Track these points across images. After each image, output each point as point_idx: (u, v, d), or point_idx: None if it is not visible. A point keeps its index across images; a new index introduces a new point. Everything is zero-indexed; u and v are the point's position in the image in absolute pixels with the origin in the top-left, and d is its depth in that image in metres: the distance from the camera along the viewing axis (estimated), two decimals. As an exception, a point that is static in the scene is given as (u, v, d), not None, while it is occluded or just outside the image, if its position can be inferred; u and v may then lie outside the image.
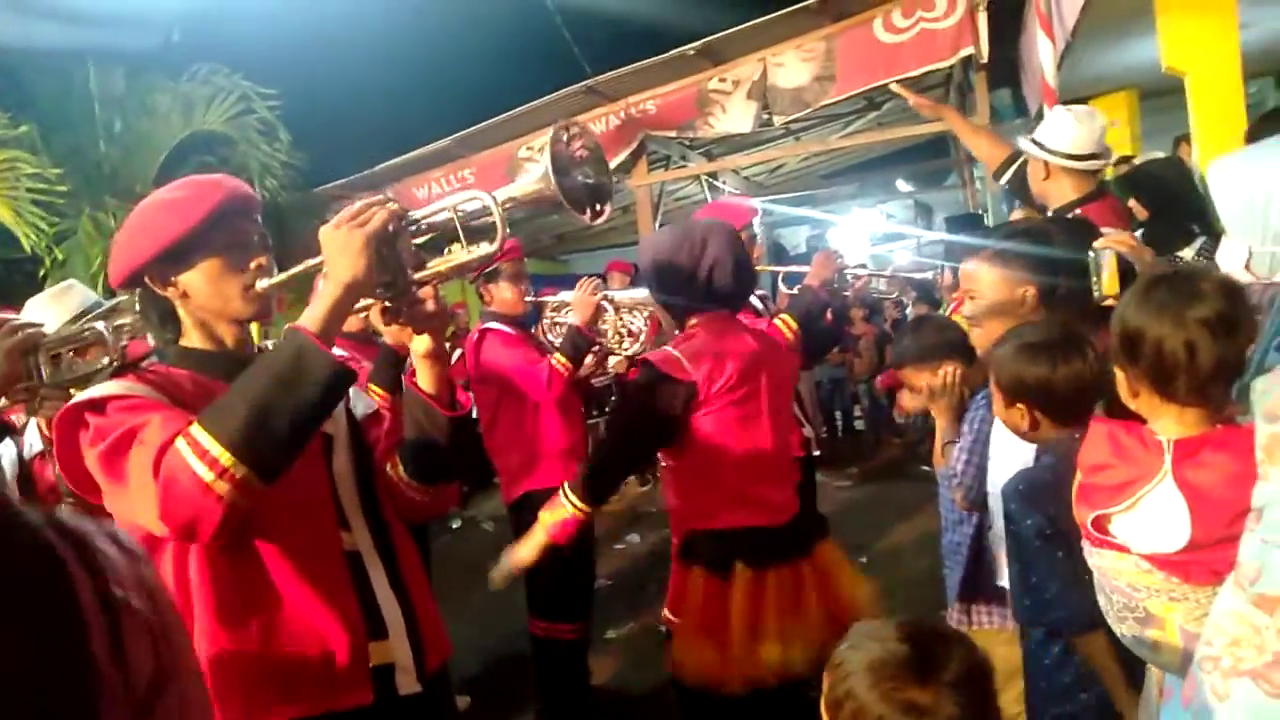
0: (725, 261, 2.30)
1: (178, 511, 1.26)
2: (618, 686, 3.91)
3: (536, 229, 9.84)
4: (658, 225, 7.58)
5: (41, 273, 5.13)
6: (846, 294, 3.75)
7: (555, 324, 3.73)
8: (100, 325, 1.97)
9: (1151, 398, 1.49)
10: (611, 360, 3.98)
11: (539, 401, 3.35)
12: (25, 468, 2.53)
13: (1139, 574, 1.50)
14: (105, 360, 1.95)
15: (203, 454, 1.25)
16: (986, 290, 2.12)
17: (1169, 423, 1.49)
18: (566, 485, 2.28)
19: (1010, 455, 2.04)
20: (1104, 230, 2.09)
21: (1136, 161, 4.75)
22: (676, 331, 2.42)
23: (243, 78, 6.21)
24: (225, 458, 1.24)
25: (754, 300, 3.62)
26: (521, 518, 3.47)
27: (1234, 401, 1.48)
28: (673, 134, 6.96)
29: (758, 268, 3.64)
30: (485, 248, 1.44)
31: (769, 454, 2.33)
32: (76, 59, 6.00)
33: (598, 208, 1.49)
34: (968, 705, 1.11)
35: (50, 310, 2.61)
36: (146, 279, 1.52)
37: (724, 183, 9.42)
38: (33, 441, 2.52)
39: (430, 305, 1.53)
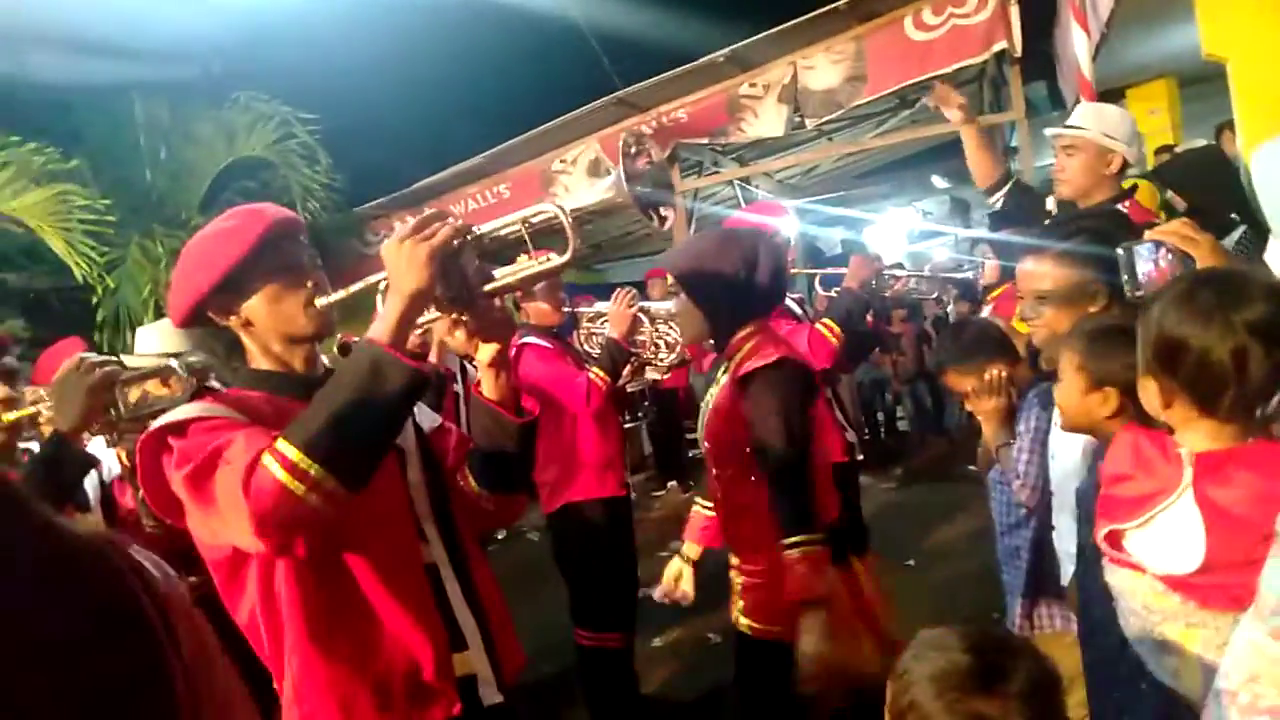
0: (772, 269, 2.31)
1: (273, 527, 1.28)
2: (666, 694, 3.91)
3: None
4: (692, 232, 7.60)
5: (95, 300, 5.28)
6: (885, 295, 3.73)
7: (592, 334, 3.76)
8: (173, 361, 2.04)
9: (1188, 410, 1.39)
10: (648, 370, 4.00)
11: (577, 414, 3.38)
12: (106, 491, 2.61)
13: (1155, 595, 1.42)
14: (181, 393, 2.02)
15: (291, 467, 1.26)
16: (1053, 288, 2.04)
17: (1200, 436, 1.39)
18: (786, 543, 2.12)
19: (1070, 452, 1.99)
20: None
21: (1177, 150, 4.66)
22: (708, 340, 2.42)
23: (282, 103, 6.36)
24: (314, 470, 1.26)
25: (792, 304, 3.61)
26: (561, 529, 3.51)
27: (1274, 415, 1.36)
28: (704, 141, 6.97)
29: (793, 271, 3.66)
30: (555, 259, 1.46)
31: (833, 435, 2.35)
32: (122, 92, 6.19)
33: (662, 213, 1.52)
34: (1035, 717, 1.08)
35: (165, 336, 2.71)
36: (209, 313, 1.55)
37: (757, 186, 9.40)
38: (112, 466, 2.60)
39: (496, 315, 1.55)
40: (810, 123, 6.55)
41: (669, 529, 6.42)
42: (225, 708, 0.83)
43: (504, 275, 1.50)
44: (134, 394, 1.98)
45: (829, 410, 3.35)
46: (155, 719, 0.67)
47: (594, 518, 3.44)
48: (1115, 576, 1.50)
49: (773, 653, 2.17)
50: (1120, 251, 1.68)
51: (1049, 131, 2.93)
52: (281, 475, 1.26)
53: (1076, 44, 4.58)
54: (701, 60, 6.41)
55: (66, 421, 1.86)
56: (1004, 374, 2.33)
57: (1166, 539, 1.38)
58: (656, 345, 3.59)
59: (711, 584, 2.64)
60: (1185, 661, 1.40)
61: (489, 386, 1.62)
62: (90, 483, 2.62)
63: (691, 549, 2.64)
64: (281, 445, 1.28)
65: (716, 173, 8.40)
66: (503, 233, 1.47)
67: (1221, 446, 1.37)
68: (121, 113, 6.21)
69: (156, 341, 2.74)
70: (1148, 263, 1.64)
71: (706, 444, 2.44)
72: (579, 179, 6.72)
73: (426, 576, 1.56)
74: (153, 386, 2.02)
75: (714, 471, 2.41)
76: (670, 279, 2.46)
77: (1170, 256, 1.63)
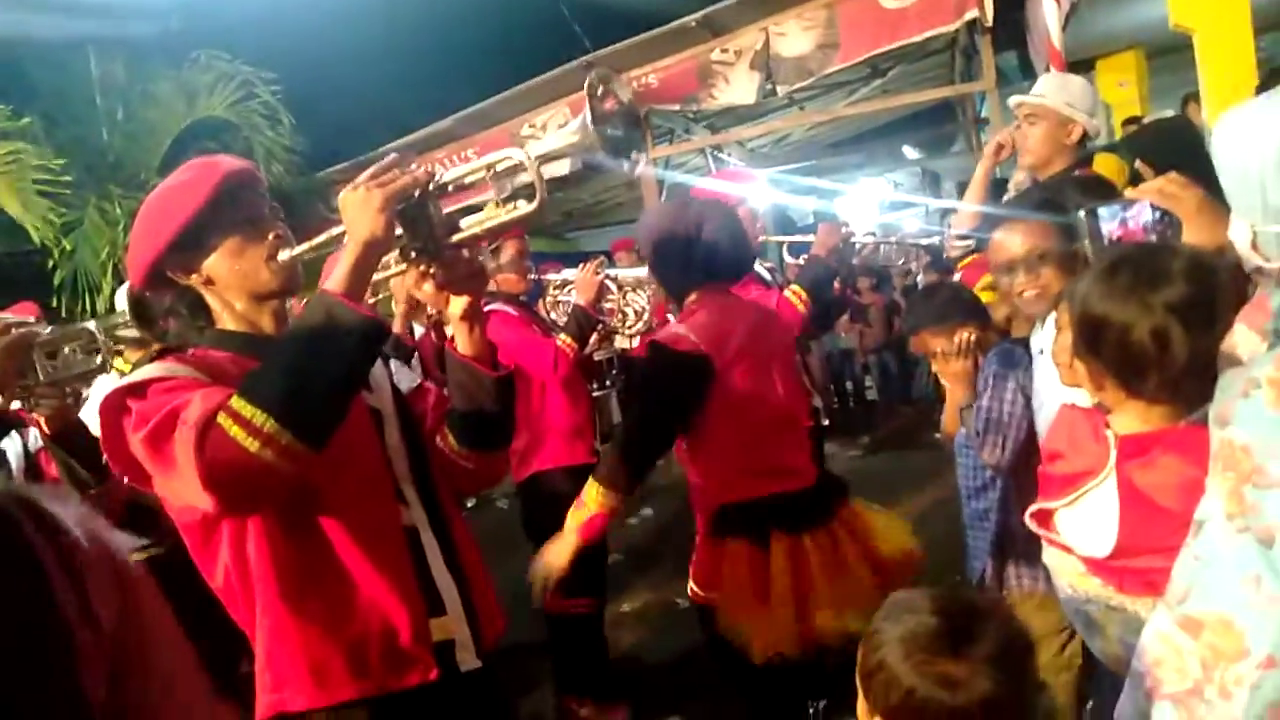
0: (721, 237, 2.32)
1: (226, 486, 1.24)
2: (635, 659, 3.95)
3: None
4: (663, 199, 7.56)
5: (50, 264, 5.15)
6: (854, 261, 3.74)
7: (558, 302, 3.74)
8: (92, 325, 1.98)
9: (1117, 392, 1.36)
10: (617, 338, 3.99)
11: (545, 382, 3.37)
12: (30, 460, 2.56)
13: (1078, 577, 1.42)
14: (99, 360, 1.96)
15: (245, 424, 1.22)
16: (1022, 255, 2.04)
17: (1131, 419, 1.36)
18: (592, 480, 2.25)
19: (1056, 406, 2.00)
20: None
21: (1144, 122, 4.70)
22: (673, 308, 2.45)
23: (244, 63, 6.20)
24: (269, 425, 1.22)
25: (762, 271, 3.62)
26: (531, 497, 3.50)
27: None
28: (675, 107, 6.91)
29: (763, 238, 3.65)
30: (524, 206, 1.41)
31: (786, 420, 2.37)
32: (76, 49, 5.99)
33: (632, 156, 1.48)
34: (1004, 680, 1.07)
35: None
36: (168, 272, 1.50)
37: (729, 155, 9.36)
38: (36, 435, 2.55)
39: (465, 267, 1.50)
40: (782, 90, 6.51)
41: (637, 496, 6.48)
42: (162, 675, 0.82)
43: (471, 224, 1.45)
44: (54, 359, 1.92)
45: (795, 374, 3.37)
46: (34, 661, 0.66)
47: (563, 485, 3.42)
48: (1048, 555, 1.51)
49: (711, 617, 2.23)
50: (1082, 214, 1.62)
51: (1012, 100, 2.93)
52: (234, 431, 1.22)
53: (1047, 13, 4.59)
54: (673, 24, 6.33)
55: None
56: (974, 336, 2.35)
57: (1089, 520, 1.37)
58: (624, 313, 3.58)
59: (679, 550, 2.67)
60: (1107, 643, 1.41)
61: (462, 341, 1.57)
62: (14, 450, 2.57)
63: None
64: (235, 401, 1.24)
65: (688, 140, 8.34)
66: (467, 180, 1.42)
67: (1149, 429, 1.35)
68: (76, 70, 6.02)
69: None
70: (1114, 224, 1.56)
71: None
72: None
73: (405, 540, 1.53)
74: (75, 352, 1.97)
75: None
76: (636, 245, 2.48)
77: (1150, 217, 1.55)
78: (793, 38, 6.26)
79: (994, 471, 2.35)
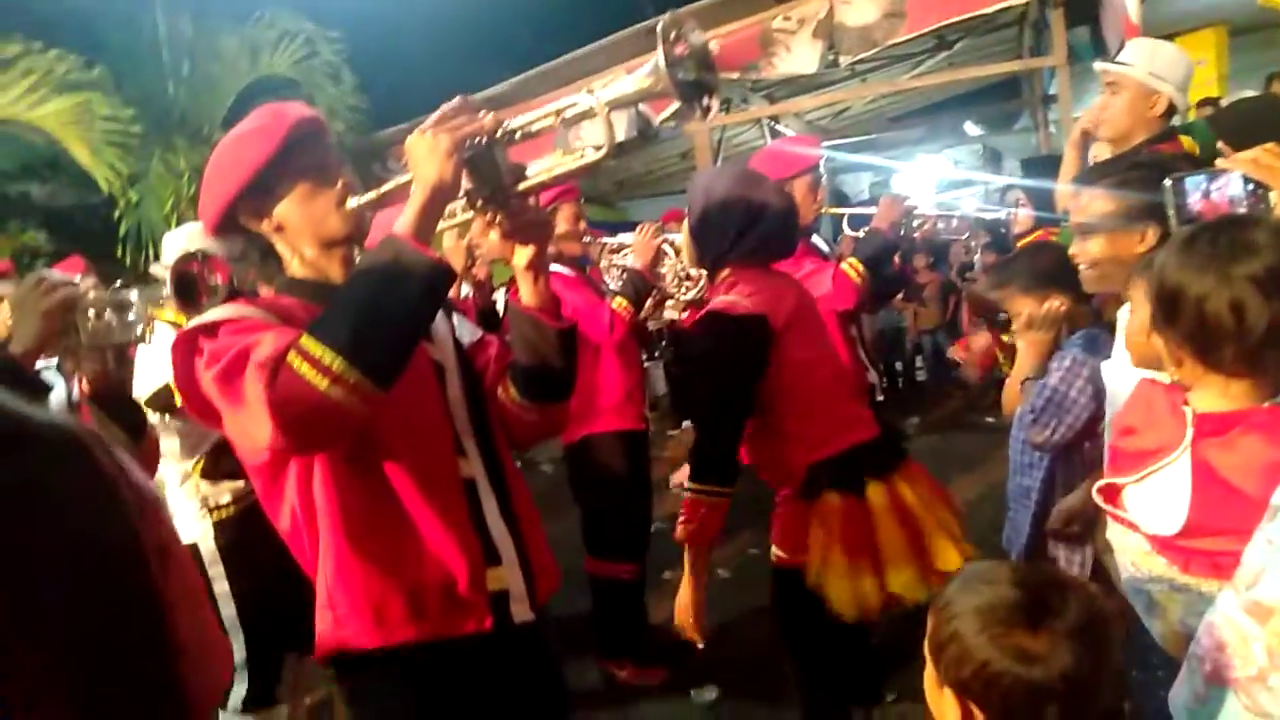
0: (770, 219, 2.28)
1: (295, 423, 1.25)
2: (670, 627, 3.97)
3: (595, 174, 9.79)
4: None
5: (117, 214, 5.27)
6: (914, 235, 3.66)
7: (613, 266, 3.72)
8: (134, 295, 2.00)
9: (1195, 367, 1.32)
10: (669, 305, 3.97)
11: (599, 345, 3.36)
12: (73, 410, 2.62)
13: (1142, 555, 1.39)
14: (140, 328, 1.98)
15: (314, 362, 1.23)
16: (1097, 220, 1.96)
17: (1211, 395, 1.33)
18: (689, 488, 2.19)
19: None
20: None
21: (1223, 104, 4.51)
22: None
23: (307, 20, 6.24)
24: (337, 364, 1.23)
25: (819, 243, 3.56)
26: (579, 460, 3.52)
27: None
28: (735, 75, 6.82)
29: (824, 210, 3.59)
30: (592, 153, 1.39)
31: (850, 372, 2.36)
32: (145, 4, 6.08)
33: (705, 102, 1.42)
34: (1085, 656, 1.03)
35: (195, 241, 2.68)
36: (240, 218, 1.52)
37: (786, 126, 9.23)
38: (74, 391, 2.59)
39: (532, 215, 1.50)
40: (844, 60, 6.39)
41: (680, 466, 6.47)
42: (185, 617, 0.87)
43: (539, 172, 1.43)
44: (97, 320, 1.94)
45: (850, 348, 3.32)
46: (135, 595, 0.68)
47: (613, 450, 3.45)
48: (1112, 531, 1.48)
49: (797, 581, 2.19)
50: (1168, 182, 1.56)
51: (1097, 66, 2.82)
52: (304, 369, 1.24)
53: (1126, -14, 4.41)
54: (736, -12, 6.24)
55: (20, 343, 1.78)
56: (1064, 308, 2.25)
57: (1158, 498, 1.34)
58: (679, 279, 3.55)
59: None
60: (1167, 624, 1.38)
61: (527, 292, 1.57)
62: (58, 397, 2.62)
63: None
64: (305, 340, 1.25)
65: (745, 110, 8.23)
66: (535, 127, 1.40)
67: (1229, 407, 1.31)
68: (144, 24, 6.11)
69: (184, 245, 2.72)
70: (1197, 195, 1.50)
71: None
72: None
73: (463, 491, 1.55)
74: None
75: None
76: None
77: (1239, 190, 1.50)
78: (858, 6, 6.13)
79: (1038, 450, 2.31)
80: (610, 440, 3.42)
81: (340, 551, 1.45)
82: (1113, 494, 1.43)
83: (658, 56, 1.33)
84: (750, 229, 2.28)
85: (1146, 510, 1.36)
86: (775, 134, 8.89)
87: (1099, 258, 1.93)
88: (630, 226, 3.81)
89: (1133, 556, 1.41)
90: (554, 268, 3.42)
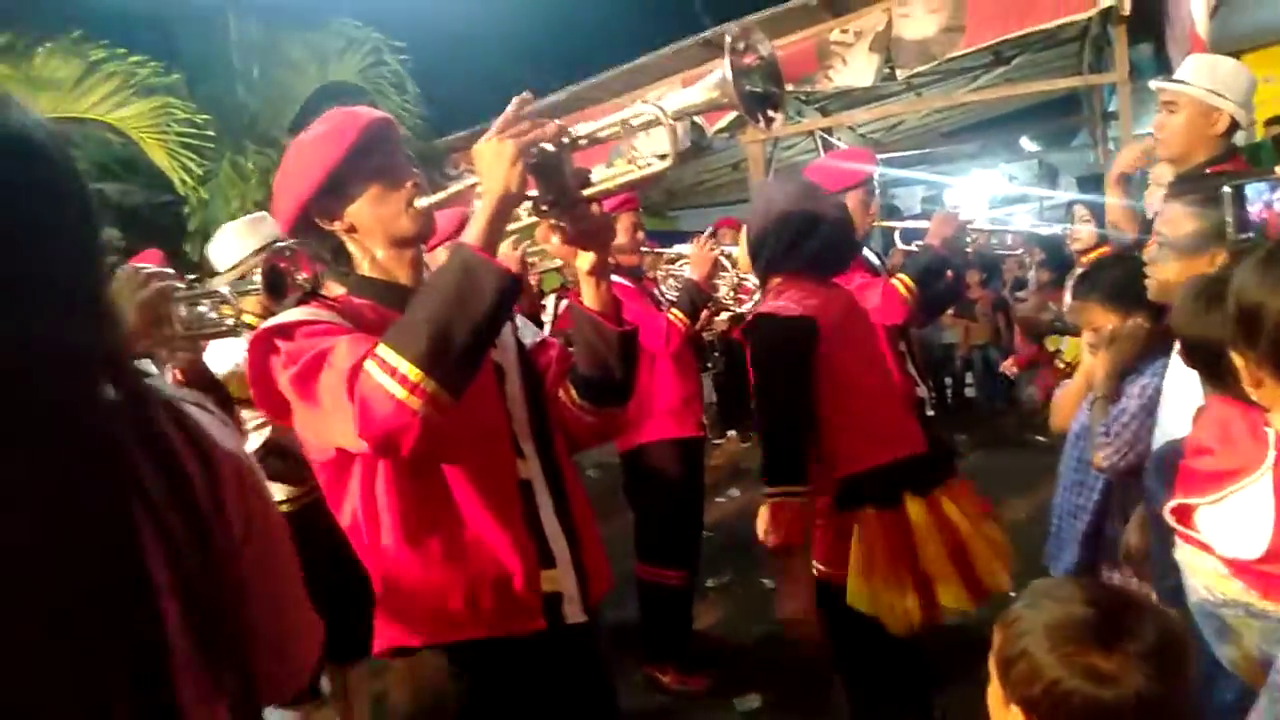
0: (828, 235, 2.31)
1: (376, 429, 1.29)
2: (718, 634, 3.99)
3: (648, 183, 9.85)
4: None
5: (188, 212, 5.45)
6: (967, 250, 3.63)
7: (670, 276, 3.77)
8: (225, 289, 2.08)
9: (1276, 387, 1.27)
10: (723, 316, 4.00)
11: (655, 354, 3.40)
12: None
13: (1218, 578, 1.36)
14: (230, 320, 2.04)
15: (392, 372, 1.28)
16: (1172, 235, 1.93)
17: None
18: (765, 492, 2.20)
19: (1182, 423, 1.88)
20: None
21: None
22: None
23: (374, 30, 6.40)
24: (414, 373, 1.27)
25: (870, 257, 3.56)
26: (635, 467, 3.56)
27: None
28: (790, 88, 6.82)
29: (875, 224, 3.59)
30: (657, 163, 1.39)
31: (894, 386, 2.37)
32: (218, 11, 6.29)
33: (769, 114, 1.41)
34: (1160, 678, 1.00)
35: (244, 238, 2.79)
36: (315, 218, 1.55)
37: (838, 139, 9.21)
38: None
39: (596, 220, 1.51)
40: (901, 74, 6.36)
41: (725, 476, 6.49)
42: (278, 576, 0.92)
43: (603, 179, 1.45)
44: (189, 311, 2.00)
45: (900, 363, 3.32)
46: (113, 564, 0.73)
47: (669, 457, 3.49)
48: (1182, 553, 1.45)
49: (841, 595, 2.19)
50: (1227, 189, 1.52)
51: (1154, 84, 2.74)
52: (384, 379, 1.28)
53: (1193, 0, 4.34)
54: (793, 3, 6.25)
55: None
56: (1145, 326, 2.19)
57: (1236, 520, 1.31)
58: (734, 290, 3.58)
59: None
60: (1241, 650, 1.36)
61: (589, 296, 1.59)
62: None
63: None
64: (382, 350, 1.29)
65: (799, 122, 8.24)
66: (601, 134, 1.41)
67: None
68: (217, 32, 6.33)
69: (233, 242, 2.82)
70: (1259, 204, 1.47)
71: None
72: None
73: (520, 493, 1.57)
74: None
75: None
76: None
77: None
78: (916, 19, 6.10)
79: (1100, 471, 2.26)
80: (666, 448, 3.47)
81: (399, 549, 1.48)
82: (1185, 514, 1.40)
83: (724, 68, 1.33)
84: (804, 240, 2.30)
85: (1223, 533, 1.34)
86: (828, 147, 8.89)
87: (1169, 279, 1.91)
88: (681, 236, 3.85)
89: (1206, 579, 1.39)
90: (612, 277, 3.47)
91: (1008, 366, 5.05)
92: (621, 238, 3.47)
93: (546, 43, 8.28)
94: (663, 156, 1.38)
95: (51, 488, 0.70)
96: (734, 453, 7.12)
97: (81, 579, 0.70)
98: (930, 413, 3.76)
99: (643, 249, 3.61)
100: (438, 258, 2.18)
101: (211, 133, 5.18)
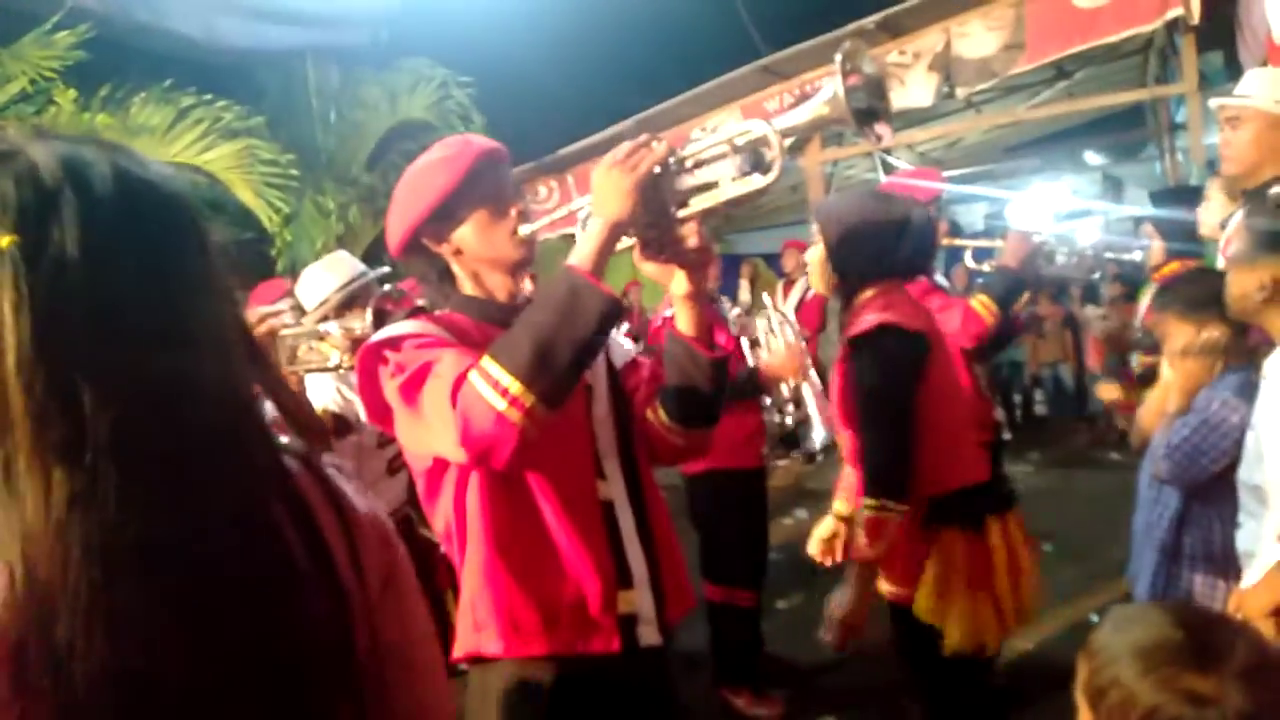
0: (913, 236, 2.30)
1: (476, 438, 1.34)
2: (788, 655, 3.99)
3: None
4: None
5: (274, 250, 5.71)
6: (1041, 275, 3.57)
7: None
8: (334, 327, 2.18)
9: None
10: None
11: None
12: None
13: None
14: (337, 357, 2.14)
15: (495, 384, 1.33)
16: (1252, 253, 1.91)
17: None
18: (869, 502, 2.17)
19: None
20: None
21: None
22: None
23: (442, 66, 6.63)
24: (515, 387, 1.32)
25: (942, 281, 3.56)
26: (700, 493, 3.60)
27: None
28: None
29: (944, 242, 3.59)
30: (757, 180, 1.40)
31: (973, 411, 2.37)
32: (297, 57, 6.60)
33: (878, 130, 1.43)
34: (1256, 697, 0.97)
35: (325, 277, 2.96)
36: (424, 240, 1.62)
37: (898, 158, 9.18)
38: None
39: (693, 242, 1.51)
40: (960, 93, 6.35)
41: (789, 497, 6.46)
42: (411, 640, 0.92)
43: (703, 199, 1.46)
44: (293, 348, 2.11)
45: (975, 386, 3.30)
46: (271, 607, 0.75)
47: (731, 486, 3.54)
48: None
49: (904, 615, 2.21)
50: (1275, 190, 1.50)
51: (1213, 102, 2.69)
52: (486, 391, 1.33)
53: (1269, 6, 4.25)
54: (850, 26, 6.29)
55: None
56: (1221, 338, 2.18)
57: None
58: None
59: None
60: None
61: (684, 320, 1.60)
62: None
63: (841, 505, 2.58)
64: (487, 363, 1.35)
65: (857, 142, 8.25)
66: (706, 155, 1.44)
67: None
68: (296, 75, 6.64)
69: (318, 281, 2.98)
70: None
71: (834, 406, 2.47)
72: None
73: (601, 513, 1.59)
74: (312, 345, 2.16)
75: (843, 431, 2.42)
76: (814, 225, 2.45)
77: None
78: (976, 38, 6.09)
79: (1162, 482, 2.26)
80: (728, 477, 3.51)
81: (485, 560, 1.53)
82: None
83: (836, 85, 1.35)
84: (898, 243, 2.28)
85: None
86: (888, 167, 8.87)
87: (1248, 292, 1.91)
88: (734, 260, 3.88)
89: None
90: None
91: (1104, 391, 4.92)
92: None
93: (607, 70, 8.44)
94: (765, 172, 1.38)
95: (203, 541, 0.72)
96: (798, 473, 7.10)
97: (229, 653, 0.72)
98: (1007, 436, 3.72)
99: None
100: None
101: (294, 172, 5.41)
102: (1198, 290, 2.26)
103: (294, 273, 5.66)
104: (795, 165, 7.76)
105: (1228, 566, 2.12)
